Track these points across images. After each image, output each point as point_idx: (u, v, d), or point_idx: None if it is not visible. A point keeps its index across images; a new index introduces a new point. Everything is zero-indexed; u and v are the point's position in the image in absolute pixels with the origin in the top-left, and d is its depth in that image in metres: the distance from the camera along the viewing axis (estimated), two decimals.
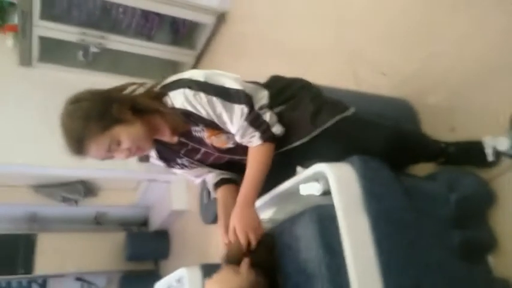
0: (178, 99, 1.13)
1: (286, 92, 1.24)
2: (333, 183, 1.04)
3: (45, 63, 3.51)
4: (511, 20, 1.34)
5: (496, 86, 1.36)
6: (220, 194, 1.34)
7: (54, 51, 3.47)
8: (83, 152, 1.12)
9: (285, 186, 1.20)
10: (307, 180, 1.13)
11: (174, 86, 1.16)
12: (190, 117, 1.15)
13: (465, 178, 1.28)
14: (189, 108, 1.12)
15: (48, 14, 3.12)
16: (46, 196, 4.01)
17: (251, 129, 1.14)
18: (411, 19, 1.72)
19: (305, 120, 1.16)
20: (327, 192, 1.08)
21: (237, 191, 1.36)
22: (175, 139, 1.25)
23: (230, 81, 1.15)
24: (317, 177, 1.10)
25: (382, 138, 1.16)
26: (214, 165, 1.35)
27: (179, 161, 1.34)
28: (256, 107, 1.15)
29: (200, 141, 1.24)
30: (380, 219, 1.04)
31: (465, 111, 1.45)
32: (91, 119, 1.09)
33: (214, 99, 1.11)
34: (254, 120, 1.13)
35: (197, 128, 1.20)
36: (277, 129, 1.16)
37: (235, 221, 1.12)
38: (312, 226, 1.04)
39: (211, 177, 1.39)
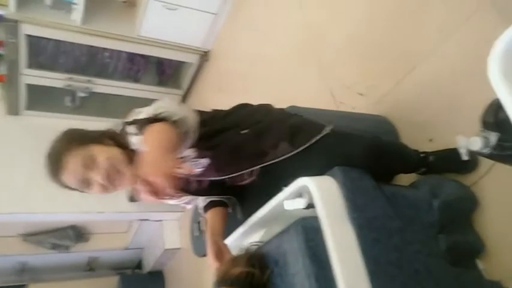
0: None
1: (250, 119, 1.27)
2: (316, 195, 1.05)
3: (33, 111, 3.55)
4: (473, 28, 1.43)
5: (467, 93, 1.42)
6: (208, 217, 1.36)
7: (41, 99, 3.52)
8: (60, 168, 1.10)
9: (270, 205, 1.22)
10: (292, 196, 1.14)
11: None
12: None
13: (447, 184, 1.30)
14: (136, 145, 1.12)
15: (35, 62, 3.20)
16: (35, 244, 3.92)
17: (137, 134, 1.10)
18: (384, 42, 1.81)
19: (282, 140, 1.18)
20: (311, 206, 1.10)
21: (224, 213, 1.38)
22: None
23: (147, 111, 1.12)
24: (301, 192, 1.12)
25: (362, 150, 1.17)
26: (200, 191, 1.36)
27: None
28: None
29: None
30: (364, 228, 1.05)
31: (441, 122, 1.50)
32: (73, 138, 1.14)
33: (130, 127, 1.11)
34: (136, 126, 1.10)
35: None
36: (154, 113, 1.07)
37: (146, 163, 0.90)
38: (298, 239, 1.04)
39: (201, 200, 1.41)
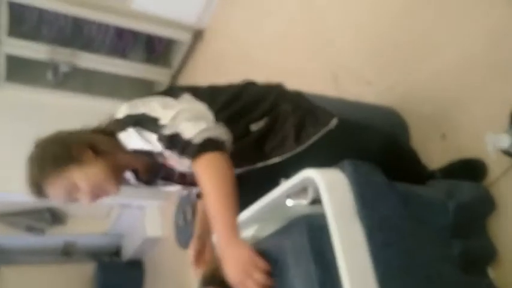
0: (124, 140, 1.09)
1: (262, 104, 1.16)
2: (324, 190, 0.94)
3: (12, 84, 3.34)
4: (492, 21, 1.32)
5: (487, 86, 1.31)
6: (199, 206, 1.30)
7: (22, 71, 3.33)
8: (43, 195, 1.09)
9: (269, 198, 1.09)
10: (294, 189, 1.02)
11: (118, 128, 1.10)
12: (147, 154, 1.09)
13: (464, 185, 1.20)
14: (137, 147, 1.07)
15: (17, 30, 3.04)
16: (9, 225, 3.73)
17: (172, 151, 1.03)
18: (398, 27, 1.69)
19: (288, 135, 1.09)
20: (315, 201, 0.99)
21: None
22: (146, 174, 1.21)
23: (151, 107, 1.07)
24: (305, 185, 1.00)
25: (378, 145, 1.10)
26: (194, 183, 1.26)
27: (160, 182, 1.27)
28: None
29: (169, 169, 1.18)
30: (375, 228, 0.95)
31: (455, 116, 1.39)
32: (46, 162, 1.07)
33: (134, 130, 1.06)
34: (168, 143, 1.02)
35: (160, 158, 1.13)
36: (202, 135, 0.99)
37: (230, 271, 0.91)
38: (301, 238, 0.93)
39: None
